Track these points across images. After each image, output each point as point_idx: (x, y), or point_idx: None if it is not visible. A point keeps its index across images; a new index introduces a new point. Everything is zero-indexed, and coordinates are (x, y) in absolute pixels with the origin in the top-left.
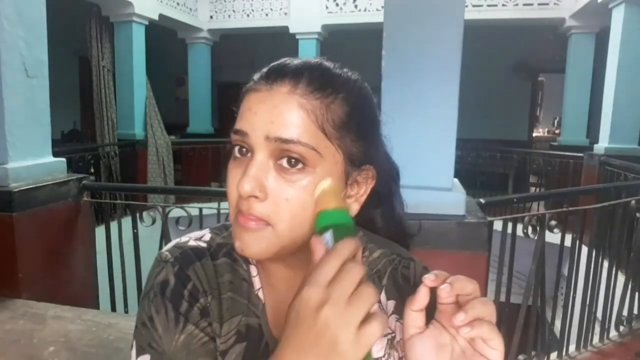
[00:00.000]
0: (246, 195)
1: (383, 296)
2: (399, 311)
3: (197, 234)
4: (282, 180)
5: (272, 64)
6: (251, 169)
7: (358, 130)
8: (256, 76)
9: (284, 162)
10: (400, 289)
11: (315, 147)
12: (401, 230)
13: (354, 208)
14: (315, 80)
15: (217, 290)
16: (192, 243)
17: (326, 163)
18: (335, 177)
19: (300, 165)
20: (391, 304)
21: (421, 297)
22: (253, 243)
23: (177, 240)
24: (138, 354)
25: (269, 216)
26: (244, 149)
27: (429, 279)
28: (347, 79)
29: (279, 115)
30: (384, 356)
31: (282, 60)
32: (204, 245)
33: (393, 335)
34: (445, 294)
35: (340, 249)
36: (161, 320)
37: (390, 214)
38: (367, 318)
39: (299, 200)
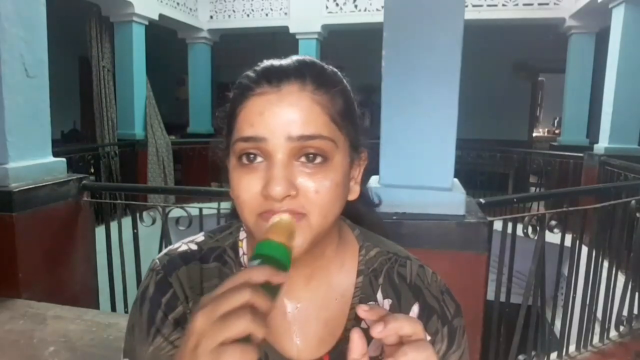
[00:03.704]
0: (281, 196)
1: (379, 295)
2: (395, 310)
3: (192, 237)
4: (307, 176)
5: (263, 67)
6: (278, 171)
7: (353, 117)
8: (248, 80)
9: (303, 158)
10: (397, 287)
11: (334, 139)
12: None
13: (356, 190)
14: (317, 76)
15: (200, 295)
16: (182, 248)
17: (340, 152)
18: (346, 163)
19: (319, 160)
20: (387, 303)
21: (355, 344)
22: None
23: (171, 246)
24: (123, 357)
25: (303, 207)
26: (252, 155)
27: (362, 309)
28: (335, 72)
29: (298, 113)
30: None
31: (270, 62)
32: (194, 248)
33: None
34: (376, 334)
35: (244, 273)
36: (137, 330)
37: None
38: (231, 342)
39: (328, 190)
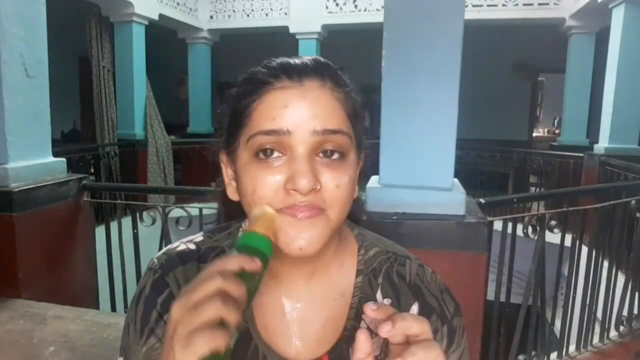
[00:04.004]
0: (307, 190)
1: (379, 294)
2: (395, 309)
3: (191, 237)
4: (328, 170)
5: (279, 63)
6: (303, 164)
7: (360, 117)
8: (263, 75)
9: (322, 153)
10: (396, 287)
11: (350, 135)
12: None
13: (356, 189)
14: (334, 75)
15: None
16: (181, 247)
17: (353, 148)
18: (356, 161)
19: (337, 155)
20: (387, 302)
21: (362, 344)
22: (309, 229)
23: (170, 245)
24: (119, 355)
25: (325, 202)
26: (269, 150)
27: (370, 307)
28: (343, 73)
29: (322, 108)
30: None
31: (283, 59)
32: (193, 247)
33: None
34: (385, 333)
35: (218, 263)
36: (132, 330)
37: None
38: (203, 329)
39: (346, 186)
